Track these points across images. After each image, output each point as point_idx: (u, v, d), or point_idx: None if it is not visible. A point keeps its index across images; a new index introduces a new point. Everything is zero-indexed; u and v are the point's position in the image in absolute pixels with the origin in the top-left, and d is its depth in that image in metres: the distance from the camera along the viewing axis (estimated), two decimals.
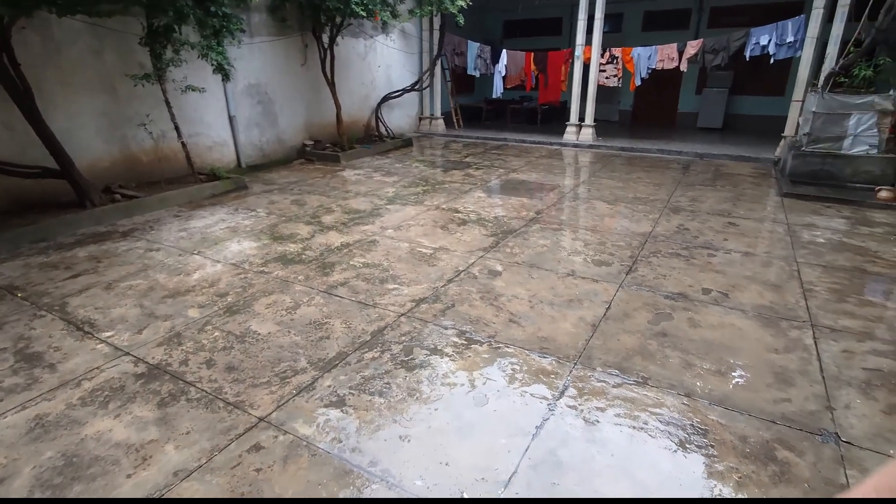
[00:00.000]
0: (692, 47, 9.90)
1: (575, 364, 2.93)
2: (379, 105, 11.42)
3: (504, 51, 12.05)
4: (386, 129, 11.42)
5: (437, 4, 8.86)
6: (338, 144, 9.68)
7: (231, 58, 6.67)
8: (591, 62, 10.50)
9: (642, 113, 14.56)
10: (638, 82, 10.63)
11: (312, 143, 9.71)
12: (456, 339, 3.21)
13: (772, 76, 11.87)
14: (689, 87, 13.60)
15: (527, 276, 4.20)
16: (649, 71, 10.43)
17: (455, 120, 13.34)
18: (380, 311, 3.58)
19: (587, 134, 10.93)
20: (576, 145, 10.84)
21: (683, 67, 10.22)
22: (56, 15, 4.91)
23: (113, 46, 6.38)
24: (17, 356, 3.06)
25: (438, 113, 13.04)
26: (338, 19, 8.46)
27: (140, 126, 6.66)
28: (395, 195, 6.86)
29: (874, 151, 6.80)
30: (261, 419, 2.49)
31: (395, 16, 8.92)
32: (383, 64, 11.46)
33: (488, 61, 12.52)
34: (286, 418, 2.50)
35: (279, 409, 2.56)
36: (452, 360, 2.98)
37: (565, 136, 11.16)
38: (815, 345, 3.13)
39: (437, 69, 12.45)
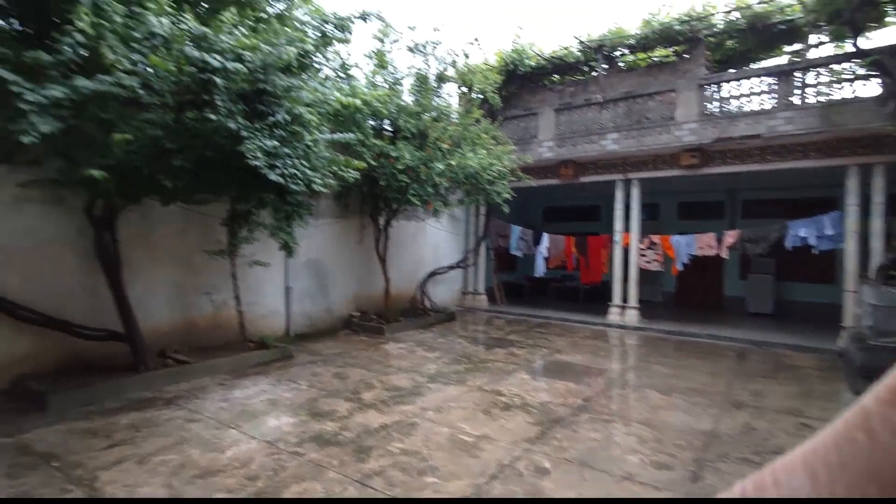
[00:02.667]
0: (730, 237, 10.23)
1: None
2: (425, 280, 12.00)
3: (545, 234, 12.81)
4: (430, 303, 11.80)
5: (485, 196, 9.81)
6: (383, 316, 9.97)
7: (296, 236, 7.38)
8: (630, 247, 10.93)
9: (686, 295, 14.51)
10: (679, 267, 10.84)
11: (359, 314, 10.05)
12: None
13: (817, 264, 11.86)
14: (733, 272, 13.66)
15: (578, 476, 3.81)
16: (690, 257, 10.68)
17: (497, 296, 13.69)
18: None
19: (632, 315, 10.85)
20: (621, 326, 10.70)
21: (724, 255, 10.43)
22: (161, 204, 5.70)
23: (197, 225, 7.24)
24: None
25: (482, 289, 13.49)
26: (394, 206, 9.42)
27: (205, 295, 7.18)
28: (436, 372, 6.76)
29: None
30: None
31: (446, 205, 9.88)
32: (431, 243, 12.35)
33: (530, 243, 13.29)
34: None
35: None
36: None
37: (609, 316, 11.12)
38: None
39: (482, 248, 13.26)
